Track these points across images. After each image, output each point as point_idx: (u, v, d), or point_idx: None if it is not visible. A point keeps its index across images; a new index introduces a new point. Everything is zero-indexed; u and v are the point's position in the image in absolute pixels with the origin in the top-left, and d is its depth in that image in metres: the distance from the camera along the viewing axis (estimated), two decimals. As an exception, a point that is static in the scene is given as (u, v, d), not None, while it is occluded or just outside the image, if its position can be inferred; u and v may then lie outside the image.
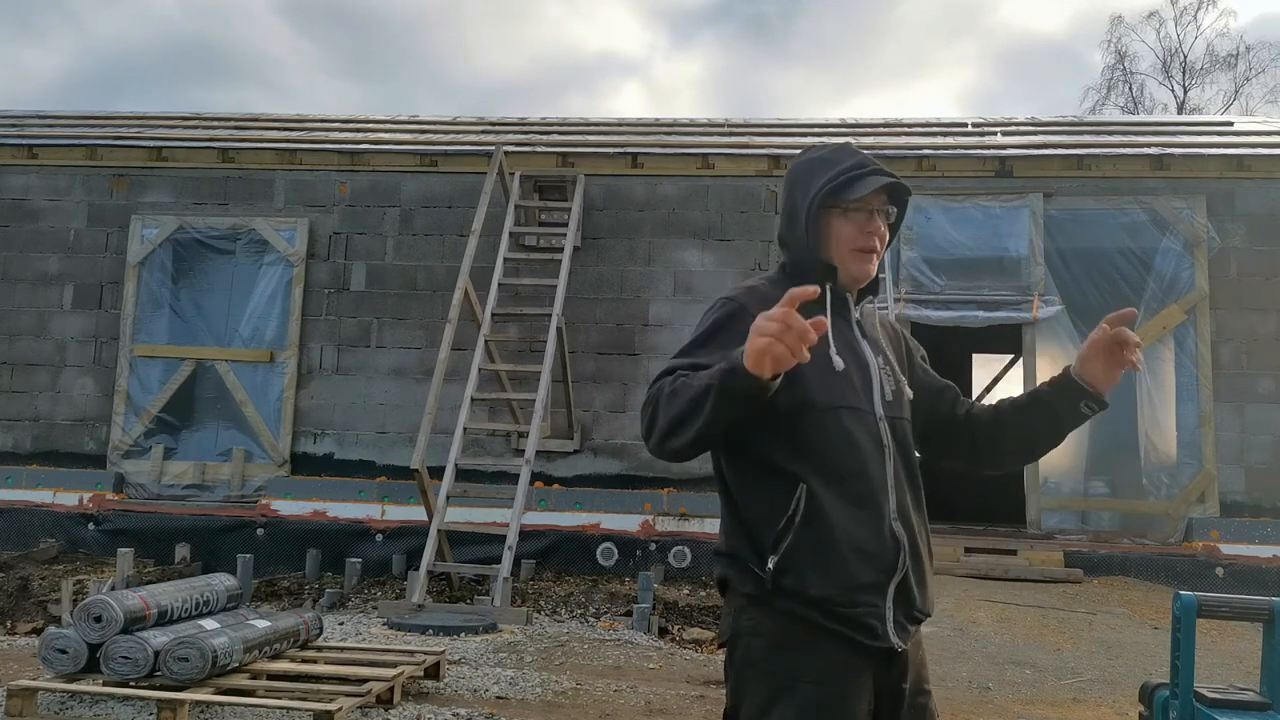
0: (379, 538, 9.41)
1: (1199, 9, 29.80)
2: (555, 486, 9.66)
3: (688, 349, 2.09)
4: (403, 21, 64.23)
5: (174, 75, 57.44)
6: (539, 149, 10.77)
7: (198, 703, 4.51)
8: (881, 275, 2.29)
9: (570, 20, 66.47)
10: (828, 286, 2.15)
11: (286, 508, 9.66)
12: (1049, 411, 2.28)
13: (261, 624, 5.19)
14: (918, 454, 2.29)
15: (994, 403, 2.41)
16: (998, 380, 14.12)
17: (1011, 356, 13.52)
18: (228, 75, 58.50)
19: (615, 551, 9.21)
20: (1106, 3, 49.60)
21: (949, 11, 57.87)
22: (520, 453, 9.09)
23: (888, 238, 2.23)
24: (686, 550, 9.14)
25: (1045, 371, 9.67)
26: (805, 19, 61.83)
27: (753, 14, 63.66)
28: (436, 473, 8.40)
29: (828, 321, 2.01)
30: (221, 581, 5.52)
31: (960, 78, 57.35)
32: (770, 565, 2.02)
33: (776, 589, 2.03)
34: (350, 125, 12.25)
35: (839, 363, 2.09)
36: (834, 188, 2.16)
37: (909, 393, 2.24)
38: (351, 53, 64.34)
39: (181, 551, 9.16)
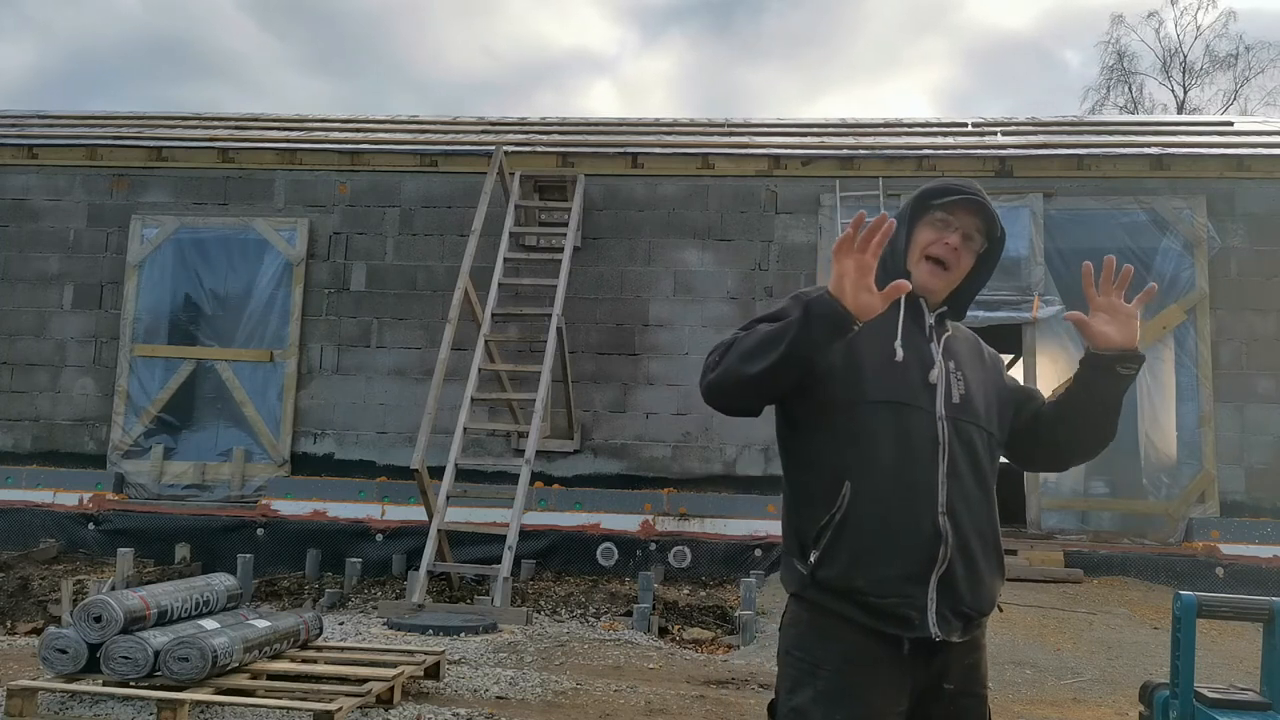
0: (379, 538, 9.41)
1: (1199, 9, 29.83)
2: (555, 486, 9.65)
3: (754, 321, 2.21)
4: (368, 17, 63.59)
5: (141, 72, 56.90)
6: (539, 149, 10.77)
7: (198, 703, 4.50)
8: (977, 312, 2.36)
9: (537, 16, 66.01)
10: None
11: (286, 508, 9.66)
12: (1092, 390, 2.29)
13: (261, 624, 5.18)
14: (1004, 458, 2.39)
15: (1053, 399, 2.43)
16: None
17: (1011, 356, 13.51)
18: (194, 71, 57.80)
19: (615, 551, 9.21)
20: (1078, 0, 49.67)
21: (916, 8, 57.87)
22: (520, 453, 9.09)
23: (968, 265, 2.32)
24: (686, 550, 9.14)
25: (1045, 371, 9.69)
26: (771, 15, 61.75)
27: (718, 9, 63.57)
28: (436, 473, 8.40)
29: (900, 316, 2.22)
30: (221, 581, 5.52)
31: (931, 74, 57.40)
32: (811, 559, 2.16)
33: (813, 581, 2.16)
34: (350, 125, 12.24)
35: (899, 353, 2.20)
36: (928, 192, 2.33)
37: (987, 402, 2.30)
38: (317, 49, 63.66)
39: (181, 551, 9.16)
